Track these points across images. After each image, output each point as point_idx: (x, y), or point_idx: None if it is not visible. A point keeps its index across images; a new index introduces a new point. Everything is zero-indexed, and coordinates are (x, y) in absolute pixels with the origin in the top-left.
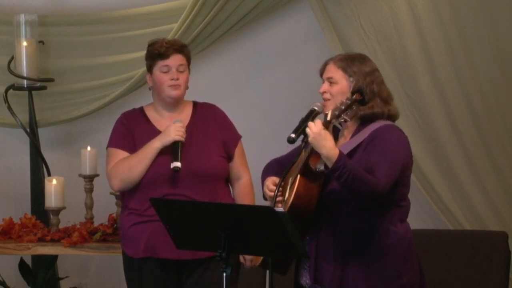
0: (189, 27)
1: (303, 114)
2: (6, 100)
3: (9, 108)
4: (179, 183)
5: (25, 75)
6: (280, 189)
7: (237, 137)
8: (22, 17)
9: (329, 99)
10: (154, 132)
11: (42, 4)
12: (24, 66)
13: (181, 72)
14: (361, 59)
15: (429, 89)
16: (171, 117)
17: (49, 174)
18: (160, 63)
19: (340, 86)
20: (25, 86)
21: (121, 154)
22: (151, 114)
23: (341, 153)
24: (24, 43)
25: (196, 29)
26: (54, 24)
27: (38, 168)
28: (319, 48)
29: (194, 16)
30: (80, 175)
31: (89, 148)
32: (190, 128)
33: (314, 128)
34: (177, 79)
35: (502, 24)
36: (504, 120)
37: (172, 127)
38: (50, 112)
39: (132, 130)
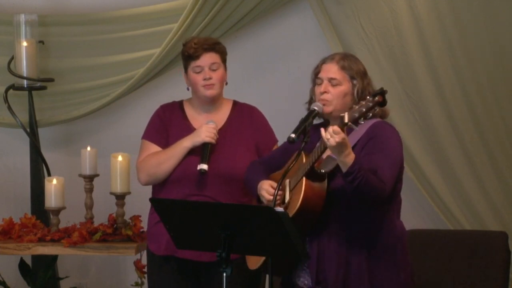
0: (189, 27)
1: (303, 114)
2: (6, 100)
3: (9, 108)
4: (205, 184)
5: (25, 75)
6: (280, 192)
7: (272, 141)
8: (22, 17)
9: (329, 100)
10: (189, 129)
11: (42, 4)
12: (24, 66)
13: (214, 70)
14: (356, 59)
15: (429, 89)
16: (208, 116)
17: (49, 174)
18: (192, 64)
19: (343, 87)
20: (25, 86)
21: (153, 148)
22: (189, 111)
23: (356, 158)
24: (24, 43)
25: (196, 29)
26: (54, 24)
27: (38, 168)
28: (319, 48)
29: (194, 16)
30: (80, 175)
31: (89, 148)
32: (224, 129)
33: (337, 137)
34: (210, 78)
35: (502, 24)
36: (504, 120)
37: (203, 128)
38: (50, 112)
39: (167, 125)
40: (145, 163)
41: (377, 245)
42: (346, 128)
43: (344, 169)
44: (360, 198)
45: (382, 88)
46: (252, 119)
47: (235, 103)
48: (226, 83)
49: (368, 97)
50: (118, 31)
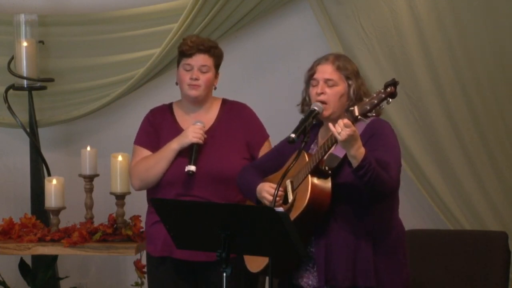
0: (189, 27)
1: (298, 113)
2: (6, 100)
3: (9, 108)
4: (197, 185)
5: (25, 75)
6: (281, 193)
7: (263, 138)
8: (22, 17)
9: (326, 101)
10: (178, 131)
11: (42, 4)
12: (24, 66)
13: (203, 72)
14: (349, 59)
15: (429, 89)
16: (196, 116)
17: (49, 174)
18: (184, 61)
19: (339, 88)
20: (25, 86)
21: (144, 152)
22: (178, 112)
23: (367, 152)
24: (24, 43)
25: (196, 29)
26: (54, 24)
27: (38, 168)
28: (319, 48)
29: (194, 16)
30: (80, 175)
31: (89, 148)
32: (213, 128)
33: (349, 130)
34: (197, 79)
35: (503, 24)
36: (504, 120)
37: (190, 129)
38: (50, 112)
39: (157, 128)
40: (136, 168)
41: (382, 241)
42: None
43: (354, 164)
44: (370, 193)
45: (394, 79)
46: (242, 117)
47: (224, 102)
48: (215, 88)
49: (379, 89)
50: (118, 31)
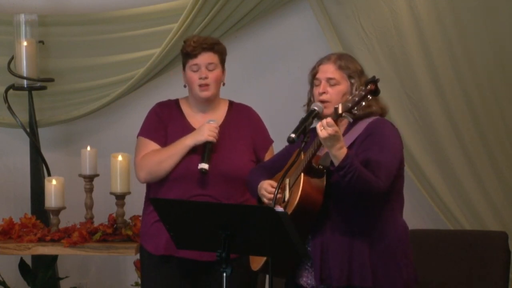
0: (189, 27)
1: (303, 114)
2: (6, 100)
3: (9, 108)
4: (206, 183)
5: (25, 75)
6: (280, 191)
7: (268, 142)
8: (22, 17)
9: (328, 101)
10: (188, 128)
11: (42, 4)
12: (24, 66)
13: (211, 70)
14: (352, 58)
15: (429, 89)
16: (205, 115)
17: (49, 174)
18: (190, 62)
19: (342, 87)
20: (25, 86)
21: (152, 145)
22: (186, 109)
23: (348, 152)
24: (24, 43)
25: (196, 29)
26: (54, 24)
27: (38, 168)
28: (319, 48)
29: (194, 16)
30: (80, 175)
31: (89, 148)
32: (222, 128)
33: (330, 129)
34: (206, 77)
35: (503, 24)
36: (504, 120)
37: (206, 127)
38: (50, 112)
39: (166, 123)
40: (146, 161)
41: (380, 242)
42: (347, 126)
43: (336, 163)
44: (355, 193)
45: (374, 76)
46: (250, 119)
47: (231, 103)
48: (224, 84)
49: (361, 86)
50: (118, 31)
